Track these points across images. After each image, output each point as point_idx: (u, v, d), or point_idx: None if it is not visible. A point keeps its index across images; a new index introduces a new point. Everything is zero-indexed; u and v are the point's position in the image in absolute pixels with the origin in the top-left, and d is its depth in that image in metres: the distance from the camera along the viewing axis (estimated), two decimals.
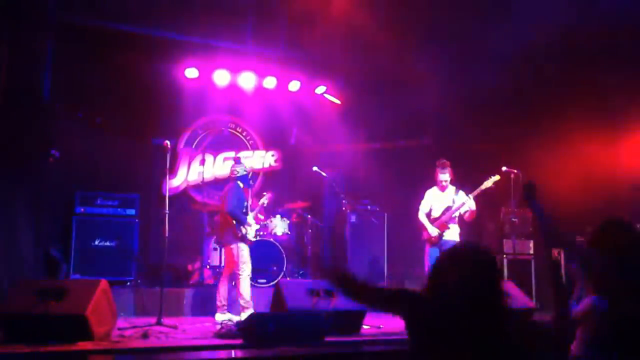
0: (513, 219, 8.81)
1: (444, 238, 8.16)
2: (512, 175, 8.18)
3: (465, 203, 8.03)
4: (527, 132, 9.70)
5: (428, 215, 8.22)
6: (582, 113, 9.01)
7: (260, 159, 11.43)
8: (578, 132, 9.09)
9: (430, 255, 8.18)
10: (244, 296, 7.54)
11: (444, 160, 8.27)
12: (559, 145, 9.32)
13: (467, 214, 8.15)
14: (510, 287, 7.14)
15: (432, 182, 8.32)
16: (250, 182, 8.22)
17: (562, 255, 9.38)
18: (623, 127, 9.27)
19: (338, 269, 3.35)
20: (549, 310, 8.60)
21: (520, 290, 7.24)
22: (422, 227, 8.21)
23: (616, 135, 9.26)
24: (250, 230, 7.86)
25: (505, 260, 9.46)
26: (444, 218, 8.12)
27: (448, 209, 8.14)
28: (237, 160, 8.26)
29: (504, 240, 9.52)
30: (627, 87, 8.73)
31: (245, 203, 7.95)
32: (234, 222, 7.70)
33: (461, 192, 8.20)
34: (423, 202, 8.30)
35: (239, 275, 7.62)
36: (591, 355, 4.52)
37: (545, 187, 9.02)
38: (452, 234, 8.22)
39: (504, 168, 8.17)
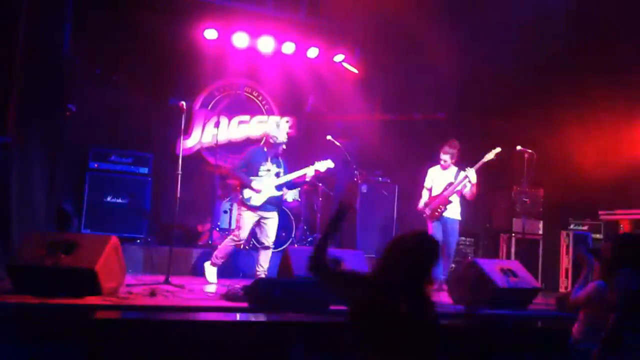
0: (524, 199, 8.79)
1: (444, 215, 8.22)
2: (526, 155, 8.15)
3: (468, 176, 8.06)
4: (544, 110, 9.64)
5: (429, 192, 8.34)
6: (601, 88, 8.95)
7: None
8: (597, 109, 9.04)
9: (433, 230, 8.25)
10: (218, 252, 7.53)
11: (453, 141, 8.30)
12: (578, 121, 9.26)
13: (468, 192, 8.18)
14: (516, 266, 7.15)
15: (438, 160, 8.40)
16: (278, 149, 7.77)
17: (571, 239, 9.43)
18: None
19: (315, 256, 3.48)
20: (554, 291, 8.70)
21: (526, 270, 7.25)
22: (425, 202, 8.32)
23: (636, 110, 9.18)
24: (256, 196, 7.54)
25: (513, 239, 9.47)
26: (446, 193, 8.18)
27: (450, 184, 8.21)
28: (277, 124, 7.90)
29: (514, 219, 9.51)
30: None
31: (264, 167, 7.66)
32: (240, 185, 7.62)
33: (462, 172, 8.24)
34: (427, 178, 8.41)
35: (228, 235, 7.59)
36: (593, 338, 4.55)
37: (563, 164, 9.11)
38: (453, 212, 8.28)
39: (518, 147, 8.15)
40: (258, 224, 7.65)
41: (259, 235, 7.74)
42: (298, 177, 7.76)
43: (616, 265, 4.45)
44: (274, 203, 7.72)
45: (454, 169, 8.35)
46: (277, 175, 7.71)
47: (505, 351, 5.44)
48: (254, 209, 7.54)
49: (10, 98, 7.07)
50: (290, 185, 8.01)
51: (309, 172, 7.70)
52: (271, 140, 7.69)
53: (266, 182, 7.61)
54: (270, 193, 7.61)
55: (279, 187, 7.71)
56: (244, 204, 7.54)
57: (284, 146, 7.77)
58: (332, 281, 3.50)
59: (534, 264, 9.21)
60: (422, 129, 10.60)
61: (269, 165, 7.69)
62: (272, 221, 7.67)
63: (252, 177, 7.57)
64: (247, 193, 7.53)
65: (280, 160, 7.82)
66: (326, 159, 7.78)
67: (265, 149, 7.77)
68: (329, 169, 7.81)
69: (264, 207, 7.58)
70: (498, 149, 8.13)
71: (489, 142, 8.48)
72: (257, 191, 7.53)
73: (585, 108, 9.22)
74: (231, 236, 7.61)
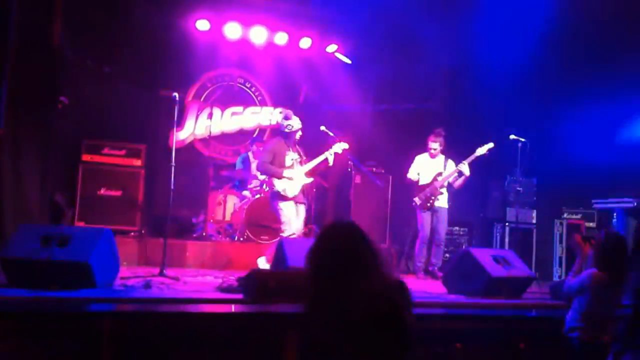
0: (518, 188, 8.81)
1: (436, 204, 8.30)
2: (520, 144, 8.16)
3: (462, 170, 8.14)
4: (538, 100, 9.65)
5: (416, 180, 8.38)
6: (594, 76, 8.98)
7: (268, 116, 11.40)
8: (590, 97, 9.07)
9: (424, 220, 8.31)
10: (271, 249, 7.37)
11: (439, 130, 8.40)
12: (571, 110, 9.29)
13: (458, 182, 8.28)
14: (510, 255, 7.17)
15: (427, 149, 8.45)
16: (295, 137, 7.70)
17: (565, 228, 9.47)
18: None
19: None
20: (548, 280, 8.73)
21: (520, 259, 7.27)
22: (413, 191, 8.36)
23: (630, 98, 9.21)
24: (291, 186, 7.51)
25: (507, 229, 9.50)
26: (436, 184, 8.25)
27: (439, 174, 8.28)
28: (287, 116, 7.89)
29: (507, 208, 9.55)
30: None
31: (288, 156, 7.62)
32: (272, 179, 7.58)
33: (450, 161, 8.34)
34: (412, 166, 8.47)
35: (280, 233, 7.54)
36: (585, 325, 4.58)
37: (556, 153, 9.15)
38: (443, 201, 8.37)
39: (511, 136, 8.16)
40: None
41: None
42: (320, 163, 7.77)
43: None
44: (303, 192, 7.76)
45: (442, 157, 8.45)
46: (300, 162, 7.72)
47: (498, 339, 5.45)
48: (291, 198, 7.52)
49: (1, 90, 7.03)
50: (316, 171, 8.00)
51: (329, 156, 7.70)
52: (287, 130, 7.67)
53: (295, 170, 7.61)
54: (302, 181, 7.64)
55: (309, 175, 7.74)
56: (280, 196, 7.50)
57: (300, 133, 7.74)
58: None
59: (527, 253, 9.24)
60: (416, 118, 10.61)
61: (292, 154, 7.68)
62: (300, 212, 7.70)
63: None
64: (280, 185, 7.49)
65: (298, 148, 7.82)
66: (327, 148, 7.80)
67: (284, 139, 7.73)
68: (344, 150, 7.80)
69: (297, 198, 7.59)
70: (491, 145, 8.20)
71: (482, 131, 8.50)
72: (290, 179, 7.53)
73: (578, 96, 9.23)
74: (284, 235, 7.50)
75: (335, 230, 2.97)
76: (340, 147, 7.73)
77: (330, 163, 7.78)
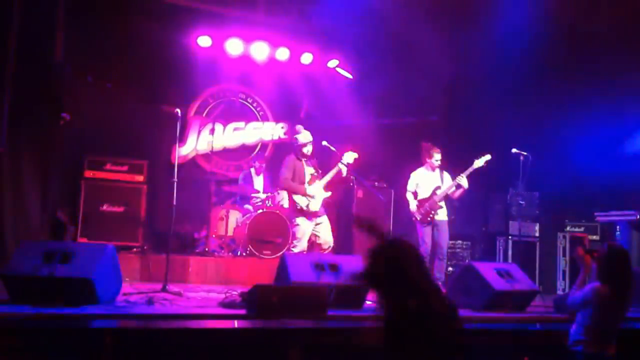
0: (520, 201, 8.79)
1: (436, 218, 8.27)
2: (521, 157, 8.15)
3: (461, 184, 8.13)
4: (538, 111, 9.66)
5: (414, 195, 8.37)
6: (594, 90, 9.00)
7: (270, 131, 11.43)
8: (591, 110, 9.09)
9: (425, 234, 8.28)
10: None
11: (435, 143, 8.41)
12: (572, 123, 9.30)
13: (457, 193, 8.27)
14: (513, 269, 7.15)
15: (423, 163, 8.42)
16: (307, 151, 7.78)
17: (568, 241, 9.44)
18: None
19: None
20: (552, 293, 8.69)
21: (524, 273, 7.24)
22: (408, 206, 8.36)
23: (630, 111, 9.22)
24: (314, 201, 7.60)
25: (510, 242, 9.47)
26: (436, 198, 8.23)
27: (437, 188, 8.26)
28: (298, 130, 7.95)
29: (510, 221, 9.53)
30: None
31: (308, 171, 7.70)
32: (293, 195, 7.63)
33: (446, 174, 8.34)
34: (409, 182, 8.45)
35: (290, 250, 7.58)
36: (590, 339, 4.55)
37: (558, 166, 9.14)
38: (442, 214, 8.35)
39: (513, 150, 8.14)
40: (313, 231, 7.67)
41: (318, 241, 7.73)
42: (335, 175, 7.77)
43: None
44: (323, 206, 7.77)
45: (438, 171, 8.43)
46: (316, 178, 7.76)
47: (503, 354, 5.43)
48: (312, 216, 7.58)
49: (2, 107, 7.05)
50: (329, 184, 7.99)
51: (342, 167, 7.69)
52: (300, 144, 7.76)
53: (315, 186, 7.68)
54: (322, 195, 7.69)
55: (326, 188, 7.77)
56: (303, 213, 7.56)
57: (310, 146, 7.77)
58: None
59: (531, 266, 9.21)
60: (417, 132, 10.60)
61: (309, 169, 7.76)
62: (325, 225, 7.72)
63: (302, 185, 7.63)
64: (303, 201, 7.56)
65: (312, 162, 7.88)
66: (330, 162, 7.81)
67: (299, 155, 7.80)
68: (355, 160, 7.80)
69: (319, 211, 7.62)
70: (488, 157, 8.19)
71: (483, 145, 8.49)
72: (312, 197, 7.59)
73: (578, 109, 9.24)
74: (294, 252, 7.57)
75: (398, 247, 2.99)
76: (351, 156, 7.73)
77: (344, 174, 7.77)
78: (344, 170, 7.73)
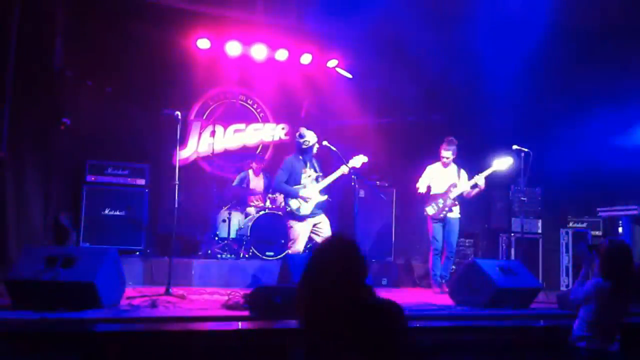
0: (522, 198, 8.79)
1: (449, 216, 8.25)
2: (523, 154, 8.15)
3: (478, 184, 8.11)
4: (539, 110, 9.66)
5: (428, 189, 8.32)
6: (595, 85, 9.00)
7: (271, 132, 11.43)
8: (592, 105, 9.08)
9: (435, 231, 8.26)
10: None
11: (451, 138, 8.36)
12: (572, 119, 9.29)
13: (473, 193, 8.23)
14: (516, 266, 7.15)
15: (439, 158, 8.41)
16: (312, 152, 7.65)
17: (571, 237, 9.43)
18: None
19: None
20: (556, 290, 8.69)
21: (527, 269, 7.24)
22: (425, 201, 8.31)
23: (631, 105, 9.21)
24: (305, 204, 7.49)
25: (513, 239, 9.47)
26: (451, 195, 8.20)
27: (454, 185, 8.22)
28: (302, 134, 7.78)
29: (513, 218, 9.52)
30: None
31: (305, 174, 7.61)
32: (285, 197, 7.59)
33: (463, 171, 8.30)
34: (423, 176, 8.40)
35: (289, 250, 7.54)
36: (593, 334, 4.55)
37: (560, 162, 9.13)
38: (455, 212, 8.33)
39: (514, 146, 8.14)
40: (312, 232, 7.60)
41: (319, 240, 7.61)
42: (338, 177, 7.70)
43: None
44: (320, 207, 7.66)
45: (454, 167, 8.40)
46: (317, 179, 7.68)
47: (506, 350, 5.43)
48: (303, 218, 7.50)
49: (2, 112, 7.06)
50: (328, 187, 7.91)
51: (345, 170, 7.60)
52: (303, 146, 7.63)
53: (311, 189, 7.59)
54: (317, 199, 7.59)
55: (322, 191, 7.67)
56: (293, 215, 7.49)
57: (317, 147, 7.68)
58: None
59: (534, 263, 9.22)
60: (418, 131, 10.61)
61: (309, 171, 7.66)
62: (325, 224, 7.63)
63: (296, 187, 7.54)
64: (294, 204, 7.48)
65: (315, 164, 7.77)
66: (330, 163, 7.77)
67: (301, 156, 7.71)
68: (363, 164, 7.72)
69: (312, 213, 7.54)
70: (510, 160, 8.12)
71: (485, 142, 8.49)
72: (306, 200, 7.50)
73: (579, 105, 9.24)
74: (288, 251, 7.54)
75: (333, 244, 2.97)
76: (359, 160, 7.65)
77: (347, 173, 7.65)
78: (346, 173, 7.63)
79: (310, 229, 7.58)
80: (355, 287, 2.80)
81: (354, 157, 7.67)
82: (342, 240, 2.94)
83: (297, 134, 7.78)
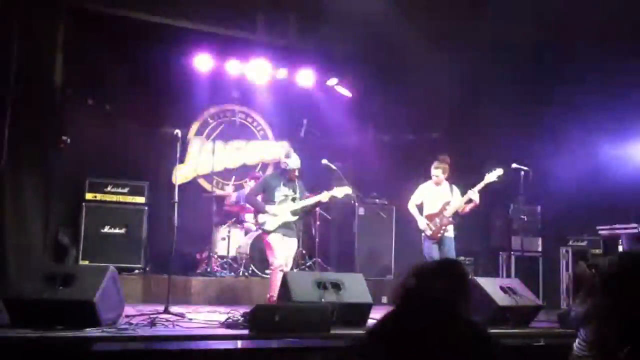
0: (522, 216, 8.77)
1: (445, 234, 8.15)
2: (522, 173, 8.14)
3: (472, 199, 8.03)
4: (538, 129, 9.68)
5: (420, 208, 8.27)
6: (594, 103, 9.02)
7: (270, 150, 11.44)
8: (591, 123, 9.10)
9: (432, 251, 8.13)
10: (271, 288, 7.34)
11: (444, 156, 8.28)
12: (572, 141, 9.31)
13: (467, 208, 8.14)
14: (516, 284, 7.12)
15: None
16: (290, 175, 7.62)
17: (571, 255, 9.42)
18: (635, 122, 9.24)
19: None
20: (556, 308, 8.66)
21: (527, 288, 7.22)
22: (415, 220, 8.27)
23: (631, 124, 9.22)
24: (271, 221, 7.47)
25: (513, 258, 9.45)
26: (446, 214, 8.07)
27: (447, 203, 8.12)
28: (287, 154, 7.74)
29: (512, 237, 9.50)
30: None
31: (279, 192, 7.56)
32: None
33: (456, 188, 8.22)
34: (415, 194, 8.33)
35: (269, 267, 7.57)
36: (593, 355, 4.52)
37: (559, 180, 9.13)
38: (450, 231, 8.23)
39: (514, 165, 8.14)
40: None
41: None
42: (315, 203, 7.73)
43: None
44: (291, 228, 7.62)
45: (446, 185, 8.29)
46: (293, 199, 7.65)
47: None
48: (264, 233, 7.54)
49: (2, 130, 7.08)
50: (306, 211, 7.93)
51: (323, 198, 7.62)
52: (282, 166, 7.73)
53: (282, 207, 7.56)
54: (285, 218, 7.54)
55: (294, 213, 7.63)
56: (263, 229, 7.57)
57: (297, 172, 7.68)
58: None
59: (534, 281, 9.19)
60: (418, 149, 10.60)
61: (284, 190, 7.63)
62: (292, 242, 7.63)
63: (269, 204, 7.55)
64: (261, 218, 7.55)
65: (297, 185, 7.72)
66: (330, 181, 7.80)
67: (279, 175, 7.81)
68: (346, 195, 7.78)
69: (280, 230, 7.51)
70: (500, 171, 8.06)
71: (484, 161, 8.48)
72: (272, 215, 7.50)
73: (579, 124, 9.26)
74: (272, 268, 7.50)
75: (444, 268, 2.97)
76: (341, 191, 7.68)
77: (326, 200, 7.73)
78: (324, 200, 7.66)
79: (283, 242, 7.54)
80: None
81: (337, 188, 7.70)
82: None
83: (285, 152, 7.85)
